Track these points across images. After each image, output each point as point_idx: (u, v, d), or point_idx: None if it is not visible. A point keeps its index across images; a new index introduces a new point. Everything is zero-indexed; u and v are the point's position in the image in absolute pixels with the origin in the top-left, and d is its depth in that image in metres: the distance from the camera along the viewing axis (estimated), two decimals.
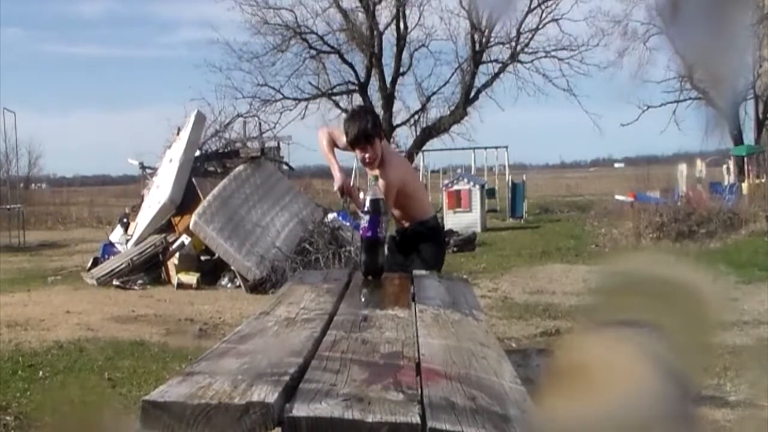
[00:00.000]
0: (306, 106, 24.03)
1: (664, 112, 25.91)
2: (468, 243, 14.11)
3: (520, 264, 11.64)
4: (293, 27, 23.57)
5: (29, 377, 5.46)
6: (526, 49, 24.33)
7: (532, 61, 24.37)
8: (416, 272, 3.58)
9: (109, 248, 11.47)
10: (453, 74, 24.71)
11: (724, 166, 21.52)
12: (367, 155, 3.95)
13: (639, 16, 24.67)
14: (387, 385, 1.61)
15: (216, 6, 42.02)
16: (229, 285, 9.89)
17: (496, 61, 24.68)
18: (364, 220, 3.30)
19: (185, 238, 10.21)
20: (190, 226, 9.91)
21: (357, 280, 3.33)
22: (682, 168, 19.91)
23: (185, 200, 10.57)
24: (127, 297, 9.18)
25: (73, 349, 6.34)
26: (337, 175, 4.13)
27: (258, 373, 1.63)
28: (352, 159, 5.08)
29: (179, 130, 12.03)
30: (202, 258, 10.25)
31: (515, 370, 1.94)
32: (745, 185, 18.84)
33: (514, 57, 24.31)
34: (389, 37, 24.42)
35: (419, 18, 24.25)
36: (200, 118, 11.90)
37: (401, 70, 24.51)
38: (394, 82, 24.58)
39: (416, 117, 24.83)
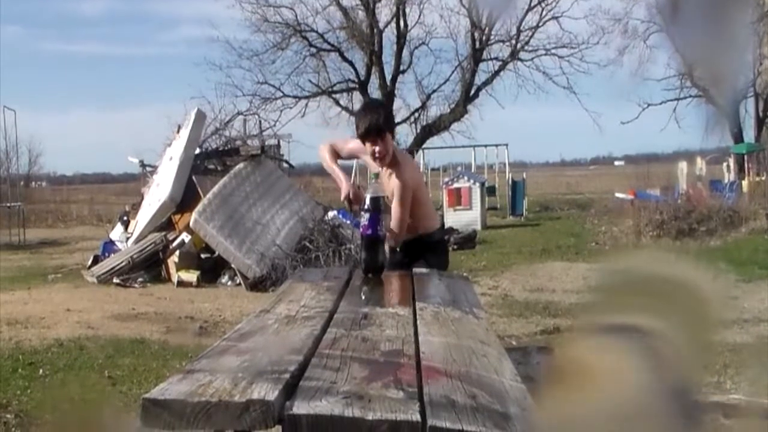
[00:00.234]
0: (306, 104, 24.07)
1: (665, 110, 25.94)
2: (468, 241, 14.12)
3: (521, 262, 11.65)
4: (293, 25, 23.57)
5: (29, 375, 5.47)
6: (526, 47, 24.36)
7: (532, 58, 24.41)
8: (416, 270, 3.58)
9: (109, 246, 11.47)
10: (453, 72, 24.76)
11: (725, 164, 21.51)
12: (377, 149, 3.79)
13: (639, 14, 24.68)
14: (387, 382, 1.61)
15: (216, 4, 42.16)
16: (230, 283, 9.89)
17: (496, 58, 24.71)
18: (364, 218, 3.30)
19: (185, 236, 10.22)
20: (191, 224, 9.91)
21: (357, 277, 3.33)
22: (683, 166, 19.90)
23: (185, 198, 10.58)
24: (128, 295, 9.18)
25: (73, 347, 6.35)
26: (343, 184, 3.93)
27: (258, 370, 1.63)
28: (351, 160, 5.00)
29: (179, 128, 12.03)
30: (203, 256, 10.25)
31: (515, 367, 1.94)
32: (745, 183, 18.83)
33: (514, 55, 24.31)
34: (389, 35, 24.46)
35: (419, 16, 24.28)
36: (200, 116, 11.90)
37: (401, 68, 24.53)
38: (394, 80, 24.59)
39: (416, 115, 24.85)
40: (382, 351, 1.94)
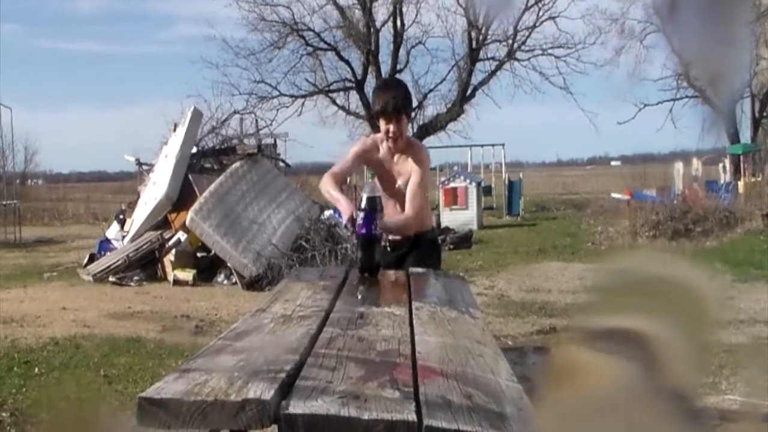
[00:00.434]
0: (303, 103, 24.02)
1: (661, 111, 25.91)
2: (464, 240, 14.13)
3: (517, 262, 11.66)
4: (290, 24, 23.53)
5: (25, 374, 5.46)
6: (522, 47, 24.33)
7: (528, 58, 24.38)
8: (412, 270, 3.57)
9: (105, 245, 11.46)
10: (450, 72, 24.72)
11: (721, 165, 21.55)
12: (391, 127, 3.70)
13: (636, 14, 24.71)
14: (383, 382, 1.61)
15: (213, 2, 42.09)
16: (226, 282, 9.89)
17: (492, 58, 24.68)
18: (360, 218, 3.29)
19: (181, 235, 10.21)
20: (187, 223, 9.90)
21: (353, 277, 3.32)
22: (679, 166, 19.94)
23: (181, 197, 10.57)
24: (123, 293, 9.17)
25: (69, 345, 6.34)
26: (345, 207, 3.67)
27: (254, 370, 1.62)
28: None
29: (176, 126, 12.02)
30: (199, 255, 10.25)
31: (511, 367, 1.94)
32: (741, 184, 18.86)
33: (510, 55, 24.30)
34: (386, 35, 24.41)
35: (416, 15, 24.23)
36: (197, 115, 11.89)
37: (398, 67, 24.48)
38: None
39: (413, 114, 24.80)
40: (378, 351, 1.93)
